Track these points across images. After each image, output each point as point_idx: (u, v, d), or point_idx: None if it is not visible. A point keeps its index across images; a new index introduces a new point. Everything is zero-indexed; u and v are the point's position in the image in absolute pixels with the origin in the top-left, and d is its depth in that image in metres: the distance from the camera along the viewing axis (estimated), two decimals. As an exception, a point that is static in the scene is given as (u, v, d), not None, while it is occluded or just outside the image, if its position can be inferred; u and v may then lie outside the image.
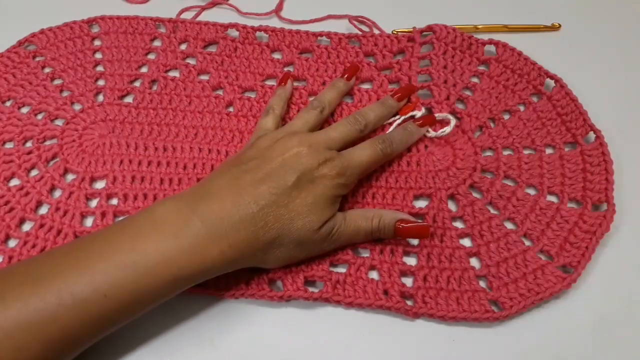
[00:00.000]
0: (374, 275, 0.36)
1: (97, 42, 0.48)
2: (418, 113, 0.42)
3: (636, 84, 0.46)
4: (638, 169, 0.41)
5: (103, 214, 0.38)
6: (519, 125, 0.42)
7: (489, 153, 0.41)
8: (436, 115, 0.42)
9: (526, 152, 0.41)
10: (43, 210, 0.39)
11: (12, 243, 0.37)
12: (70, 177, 0.40)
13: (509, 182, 0.39)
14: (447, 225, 0.37)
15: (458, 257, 0.36)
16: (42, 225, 0.38)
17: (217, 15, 0.50)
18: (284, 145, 0.34)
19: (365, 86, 0.45)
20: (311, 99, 0.44)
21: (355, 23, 0.49)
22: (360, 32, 0.48)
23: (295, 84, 0.45)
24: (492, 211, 0.38)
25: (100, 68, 0.46)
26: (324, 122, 0.41)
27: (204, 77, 0.45)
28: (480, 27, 0.49)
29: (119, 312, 0.29)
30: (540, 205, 0.38)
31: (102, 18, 0.48)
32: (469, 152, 0.41)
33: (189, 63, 0.46)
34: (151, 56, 0.47)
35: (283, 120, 0.41)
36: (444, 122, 0.42)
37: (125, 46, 0.47)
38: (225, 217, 0.31)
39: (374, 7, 0.50)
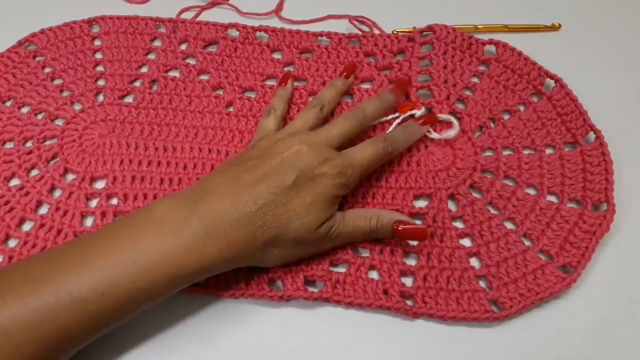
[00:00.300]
0: (373, 275, 0.36)
1: (97, 42, 0.48)
2: (418, 112, 0.42)
3: (636, 84, 0.46)
4: (638, 169, 0.41)
5: (103, 214, 0.38)
6: (519, 125, 0.42)
7: (489, 153, 0.41)
8: (440, 116, 0.41)
9: (526, 152, 0.41)
10: (43, 210, 0.39)
11: (12, 243, 0.37)
12: (70, 177, 0.40)
13: (509, 182, 0.39)
14: (447, 225, 0.37)
15: (458, 257, 0.36)
16: (42, 225, 0.38)
17: (217, 15, 0.50)
18: (284, 144, 0.34)
19: (365, 86, 0.45)
20: (311, 98, 0.44)
21: (355, 23, 0.49)
22: (360, 32, 0.48)
23: (295, 84, 0.45)
24: (492, 211, 0.38)
25: (100, 68, 0.46)
26: (324, 121, 0.41)
27: (204, 77, 0.45)
28: (480, 27, 0.49)
29: (116, 311, 0.29)
30: (540, 205, 0.38)
31: (102, 18, 0.48)
32: (469, 152, 0.41)
33: (189, 63, 0.46)
34: (151, 56, 0.47)
35: (284, 120, 0.41)
36: (445, 123, 0.42)
37: (126, 46, 0.47)
38: (224, 215, 0.31)
39: (374, 7, 0.50)
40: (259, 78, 0.45)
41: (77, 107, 0.44)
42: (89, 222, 0.38)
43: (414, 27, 0.47)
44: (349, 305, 0.35)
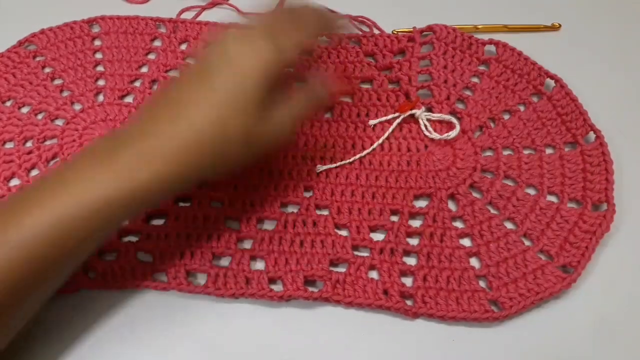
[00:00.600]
0: (373, 275, 0.36)
1: (97, 42, 0.48)
2: (418, 112, 0.42)
3: (636, 84, 0.46)
4: (638, 169, 0.41)
5: (103, 214, 0.38)
6: (519, 125, 0.42)
7: (489, 153, 0.41)
8: (440, 116, 0.41)
9: (526, 152, 0.41)
10: (43, 210, 0.39)
11: (12, 243, 0.37)
12: (70, 177, 0.40)
13: (509, 182, 0.39)
14: (447, 225, 0.37)
15: (458, 257, 0.36)
16: (42, 225, 0.38)
17: (218, 15, 0.50)
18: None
19: (365, 86, 0.45)
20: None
21: (355, 23, 0.49)
22: (360, 32, 0.48)
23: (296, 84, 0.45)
24: (492, 211, 0.38)
25: (100, 68, 0.46)
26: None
27: (204, 77, 0.45)
28: (480, 27, 0.49)
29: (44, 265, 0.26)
30: (540, 205, 0.38)
31: (102, 18, 0.48)
32: (469, 152, 0.41)
33: (189, 63, 0.46)
34: (151, 56, 0.47)
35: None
36: (445, 123, 0.42)
37: (126, 46, 0.47)
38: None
39: (374, 7, 0.50)
40: (259, 78, 0.45)
41: (77, 107, 0.44)
42: (89, 222, 0.38)
43: (414, 27, 0.47)
44: (349, 305, 0.35)
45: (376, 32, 0.48)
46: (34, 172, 0.40)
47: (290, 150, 0.41)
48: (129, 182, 0.27)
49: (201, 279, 0.36)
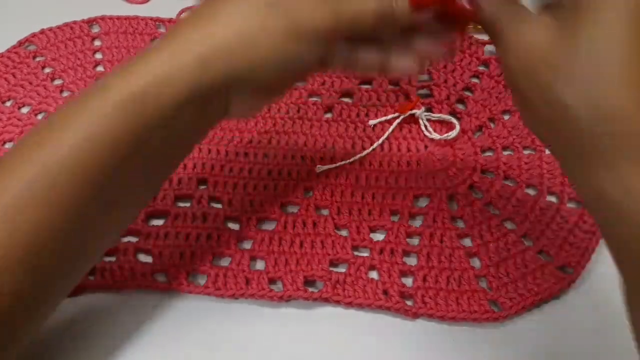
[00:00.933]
0: (373, 275, 0.36)
1: (97, 42, 0.48)
2: (418, 112, 0.42)
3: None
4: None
5: (103, 214, 0.38)
6: (519, 125, 0.42)
7: (489, 153, 0.41)
8: (440, 116, 0.41)
9: (526, 152, 0.41)
10: (43, 210, 0.39)
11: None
12: (70, 177, 0.40)
13: (509, 182, 0.39)
14: (447, 225, 0.37)
15: (458, 257, 0.36)
16: (42, 225, 0.38)
17: (217, 15, 0.50)
18: None
19: (365, 86, 0.45)
20: (311, 98, 0.44)
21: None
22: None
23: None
24: (492, 211, 0.38)
25: (100, 68, 0.46)
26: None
27: (204, 77, 0.45)
28: (480, 27, 0.49)
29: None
30: (540, 205, 0.38)
31: (102, 18, 0.48)
32: (469, 152, 0.41)
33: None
34: (151, 56, 0.47)
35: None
36: (445, 123, 0.42)
37: (126, 46, 0.47)
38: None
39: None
40: (259, 78, 0.45)
41: (77, 107, 0.44)
42: (89, 222, 0.38)
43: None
44: (349, 305, 0.35)
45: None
46: (34, 172, 0.40)
47: (290, 150, 0.41)
48: (166, 65, 0.25)
49: (201, 279, 0.36)
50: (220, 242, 0.37)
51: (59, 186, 0.24)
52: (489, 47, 0.46)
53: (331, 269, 0.36)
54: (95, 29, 0.48)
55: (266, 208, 0.38)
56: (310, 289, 0.35)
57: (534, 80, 0.23)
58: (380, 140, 0.41)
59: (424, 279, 0.35)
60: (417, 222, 0.38)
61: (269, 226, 0.38)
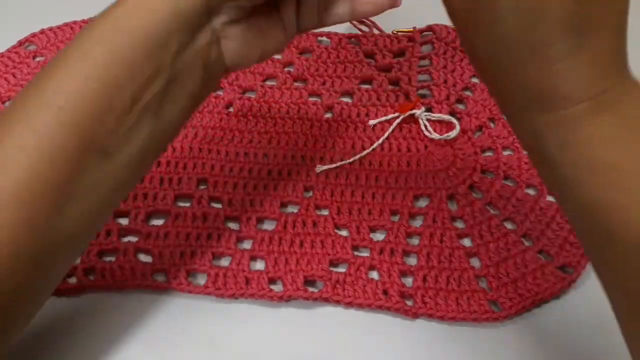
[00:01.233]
0: (373, 275, 0.36)
1: (97, 42, 0.48)
2: (418, 111, 0.42)
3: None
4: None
5: (103, 214, 0.38)
6: (519, 125, 0.42)
7: (489, 153, 0.41)
8: (440, 116, 0.41)
9: (526, 152, 0.41)
10: (43, 210, 0.39)
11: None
12: (70, 177, 0.40)
13: (509, 182, 0.39)
14: (447, 225, 0.37)
15: (458, 257, 0.36)
16: (42, 225, 0.38)
17: (217, 15, 0.50)
18: None
19: (365, 86, 0.45)
20: (311, 98, 0.44)
21: (355, 23, 0.49)
22: (360, 32, 0.48)
23: (295, 84, 0.45)
24: (492, 211, 0.38)
25: (100, 68, 0.46)
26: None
27: (204, 77, 0.45)
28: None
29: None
30: (540, 205, 0.38)
31: (102, 18, 0.48)
32: (469, 152, 0.41)
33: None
34: (151, 56, 0.47)
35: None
36: (445, 123, 0.42)
37: (126, 46, 0.47)
38: None
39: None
40: (259, 78, 0.45)
41: (77, 107, 0.44)
42: (89, 222, 0.38)
43: (414, 27, 0.47)
44: (349, 305, 0.35)
45: (376, 32, 0.48)
46: (34, 172, 0.40)
47: (290, 150, 0.41)
48: None
49: (201, 279, 0.36)
50: (220, 242, 0.37)
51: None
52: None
53: (331, 269, 0.36)
54: (95, 29, 0.48)
55: (266, 208, 0.38)
56: (310, 289, 0.35)
57: (463, 39, 0.25)
58: (380, 140, 0.41)
59: (424, 279, 0.35)
60: (417, 222, 0.38)
61: (269, 226, 0.38)
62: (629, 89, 0.22)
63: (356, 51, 0.46)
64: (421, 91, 0.44)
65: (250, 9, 0.28)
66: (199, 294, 0.35)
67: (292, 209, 0.39)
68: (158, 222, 0.38)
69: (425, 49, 0.46)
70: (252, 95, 0.44)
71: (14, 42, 0.47)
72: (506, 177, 0.39)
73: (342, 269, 0.36)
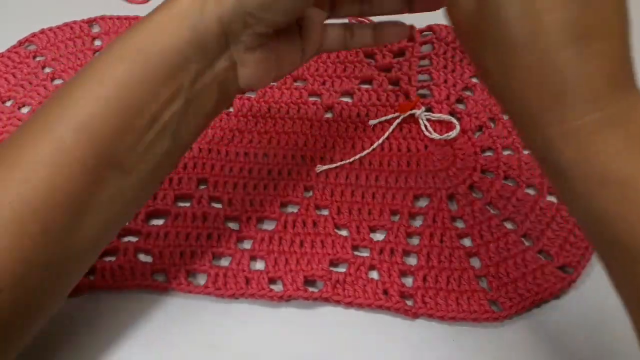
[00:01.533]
0: (373, 275, 0.36)
1: (97, 42, 0.48)
2: (418, 112, 0.42)
3: (636, 83, 0.46)
4: (638, 169, 0.41)
5: (103, 214, 0.38)
6: (519, 125, 0.42)
7: (489, 153, 0.41)
8: (440, 116, 0.41)
9: (526, 152, 0.41)
10: (43, 210, 0.39)
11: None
12: (70, 177, 0.40)
13: (509, 182, 0.39)
14: (447, 225, 0.37)
15: (458, 257, 0.36)
16: (42, 225, 0.38)
17: (217, 15, 0.50)
18: None
19: (365, 86, 0.45)
20: (311, 98, 0.44)
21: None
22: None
23: (295, 84, 0.45)
24: (492, 211, 0.38)
25: (100, 68, 0.46)
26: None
27: (204, 77, 0.45)
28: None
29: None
30: (540, 205, 0.38)
31: (103, 18, 0.48)
32: (469, 152, 0.41)
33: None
34: (151, 56, 0.47)
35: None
36: (445, 123, 0.42)
37: (126, 46, 0.47)
38: None
39: (374, 7, 0.50)
40: (259, 78, 0.45)
41: (77, 107, 0.44)
42: (89, 222, 0.38)
43: (413, 27, 0.47)
44: (349, 305, 0.35)
45: (376, 32, 0.48)
46: (34, 172, 0.40)
47: (290, 150, 0.41)
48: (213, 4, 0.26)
49: (201, 279, 0.36)
50: (220, 242, 0.37)
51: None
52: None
53: (331, 268, 0.36)
54: (96, 29, 0.48)
55: (266, 208, 0.38)
56: (310, 289, 0.35)
57: (466, 39, 0.25)
58: (380, 140, 0.41)
59: (424, 279, 0.35)
60: (417, 222, 0.38)
61: (269, 226, 0.38)
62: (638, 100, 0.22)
63: (356, 51, 0.46)
64: (421, 91, 0.44)
65: (270, 34, 0.28)
66: (199, 294, 0.35)
67: (292, 209, 0.39)
68: (158, 222, 0.38)
69: (425, 49, 0.46)
70: (252, 95, 0.44)
71: (14, 42, 0.47)
72: (506, 177, 0.39)
73: (342, 269, 0.36)
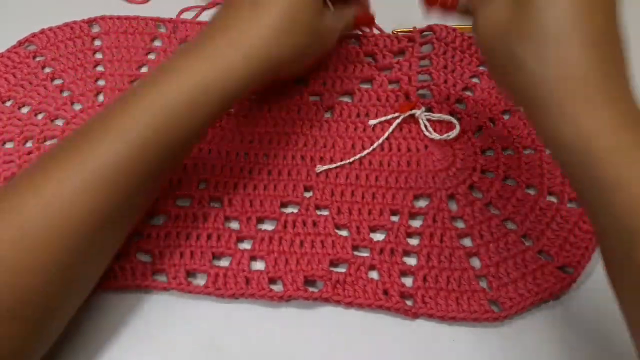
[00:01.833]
0: (373, 275, 0.36)
1: (97, 42, 0.48)
2: (418, 112, 0.42)
3: (636, 84, 0.46)
4: (638, 169, 0.41)
5: (103, 214, 0.38)
6: (519, 125, 0.42)
7: (489, 153, 0.41)
8: (440, 116, 0.41)
9: (526, 152, 0.41)
10: (43, 210, 0.39)
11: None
12: (70, 177, 0.40)
13: (509, 182, 0.39)
14: (447, 225, 0.37)
15: (458, 257, 0.36)
16: (42, 225, 0.38)
17: (217, 15, 0.50)
18: None
19: (365, 86, 0.45)
20: (311, 98, 0.44)
21: (355, 23, 0.49)
22: (360, 32, 0.48)
23: (296, 84, 0.45)
24: (492, 211, 0.38)
25: (100, 68, 0.46)
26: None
27: (204, 77, 0.45)
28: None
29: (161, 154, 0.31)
30: (540, 205, 0.38)
31: (103, 18, 0.48)
32: (469, 152, 0.41)
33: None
34: (151, 56, 0.47)
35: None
36: (445, 123, 0.42)
37: (126, 46, 0.47)
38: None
39: (373, 7, 0.50)
40: (259, 78, 0.45)
41: (78, 107, 0.44)
42: (89, 222, 0.38)
43: (414, 27, 0.47)
44: (349, 305, 0.35)
45: (376, 32, 0.48)
46: (34, 172, 0.40)
47: (290, 150, 0.41)
48: (222, 63, 0.32)
49: (201, 279, 0.36)
50: (220, 242, 0.37)
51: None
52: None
53: (331, 269, 0.36)
54: (96, 29, 0.48)
55: (266, 208, 0.38)
56: (310, 289, 0.35)
57: (499, 45, 0.30)
58: (380, 140, 0.41)
59: (424, 279, 0.35)
60: (417, 222, 0.38)
61: (269, 226, 0.38)
62: None
63: (356, 51, 0.46)
64: (421, 91, 0.44)
65: None
66: (199, 294, 0.35)
67: (292, 209, 0.39)
68: (158, 222, 0.38)
69: (425, 49, 0.46)
70: (252, 96, 0.44)
71: (14, 42, 0.47)
72: (506, 177, 0.39)
73: (342, 269, 0.36)
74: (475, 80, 0.45)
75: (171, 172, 0.37)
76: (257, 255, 0.36)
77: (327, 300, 0.35)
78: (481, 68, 0.45)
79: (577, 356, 0.33)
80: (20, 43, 0.47)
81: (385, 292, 0.35)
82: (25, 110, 0.43)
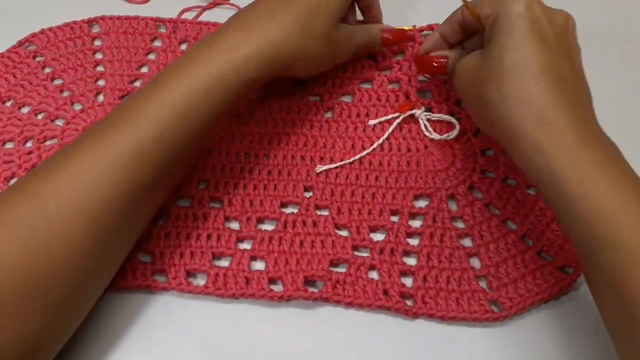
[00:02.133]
0: (373, 275, 0.36)
1: (97, 42, 0.48)
2: (418, 112, 0.42)
3: (636, 84, 0.46)
4: (638, 169, 0.41)
5: (103, 214, 0.38)
6: (519, 125, 0.42)
7: (489, 153, 0.41)
8: (440, 116, 0.41)
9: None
10: (43, 210, 0.39)
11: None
12: (70, 177, 0.40)
13: (509, 182, 0.39)
14: (447, 225, 0.37)
15: (458, 257, 0.36)
16: (42, 225, 0.38)
17: (218, 15, 0.50)
18: None
19: (365, 86, 0.45)
20: (311, 98, 0.44)
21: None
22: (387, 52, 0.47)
23: (296, 84, 0.45)
24: (492, 211, 0.38)
25: (100, 68, 0.46)
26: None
27: (204, 77, 0.45)
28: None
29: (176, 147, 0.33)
30: (540, 205, 0.38)
31: (103, 18, 0.48)
32: (469, 152, 0.41)
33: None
34: (151, 56, 0.47)
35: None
36: (445, 124, 0.42)
37: (126, 46, 0.47)
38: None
39: (374, 7, 0.50)
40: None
41: (78, 107, 0.44)
42: (89, 222, 0.38)
43: (414, 26, 0.47)
44: (349, 305, 0.35)
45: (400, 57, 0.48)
46: (34, 172, 0.40)
47: (290, 150, 0.41)
48: (235, 54, 0.34)
49: (201, 279, 0.36)
50: (220, 242, 0.37)
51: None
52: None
53: (331, 269, 0.36)
54: (96, 29, 0.48)
55: (266, 208, 0.38)
56: (310, 289, 0.35)
57: (471, 87, 0.35)
58: (380, 140, 0.41)
59: (424, 279, 0.35)
60: (417, 222, 0.38)
61: (269, 226, 0.38)
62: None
63: (356, 51, 0.46)
64: (421, 91, 0.44)
65: None
66: (199, 294, 0.35)
67: (292, 209, 0.39)
68: (158, 222, 0.38)
69: (425, 49, 0.46)
70: (252, 96, 0.44)
71: (14, 42, 0.47)
72: (506, 177, 0.39)
73: (342, 269, 0.36)
74: (475, 80, 0.45)
75: (193, 158, 0.39)
76: (257, 255, 0.36)
77: (327, 300, 0.35)
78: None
79: (577, 356, 0.33)
80: (20, 43, 0.47)
81: (385, 292, 0.35)
82: (25, 110, 0.43)
